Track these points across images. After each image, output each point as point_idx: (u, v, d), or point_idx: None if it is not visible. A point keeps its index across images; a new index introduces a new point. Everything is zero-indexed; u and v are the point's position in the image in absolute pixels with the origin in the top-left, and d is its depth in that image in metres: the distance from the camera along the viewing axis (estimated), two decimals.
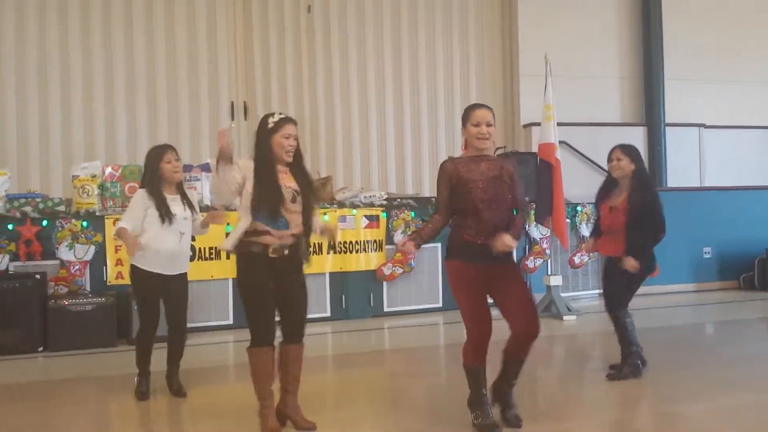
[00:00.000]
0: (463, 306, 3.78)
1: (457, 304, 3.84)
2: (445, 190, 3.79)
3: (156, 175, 4.48)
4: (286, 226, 3.76)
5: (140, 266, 4.46)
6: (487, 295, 3.79)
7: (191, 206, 4.66)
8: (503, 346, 3.85)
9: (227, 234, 6.81)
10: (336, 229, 4.19)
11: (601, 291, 5.07)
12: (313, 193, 3.93)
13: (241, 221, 3.78)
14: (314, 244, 6.87)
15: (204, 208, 7.00)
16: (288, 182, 3.81)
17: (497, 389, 3.93)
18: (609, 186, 4.97)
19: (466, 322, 3.78)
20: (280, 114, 3.87)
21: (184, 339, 4.70)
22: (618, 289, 4.89)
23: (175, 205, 4.51)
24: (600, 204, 4.99)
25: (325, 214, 7.15)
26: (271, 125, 3.79)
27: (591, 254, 4.71)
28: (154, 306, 4.56)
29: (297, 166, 3.89)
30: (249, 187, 3.74)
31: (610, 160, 4.90)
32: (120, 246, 6.59)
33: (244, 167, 3.77)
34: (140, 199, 4.46)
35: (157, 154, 4.53)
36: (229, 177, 3.69)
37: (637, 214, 4.66)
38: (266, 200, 3.70)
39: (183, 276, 4.61)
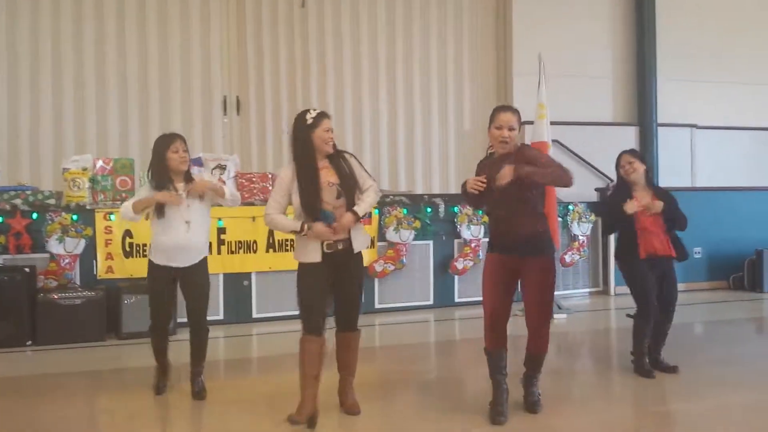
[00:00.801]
0: (483, 292, 4.00)
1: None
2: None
3: (162, 165, 4.35)
4: (335, 219, 3.87)
5: (152, 259, 4.38)
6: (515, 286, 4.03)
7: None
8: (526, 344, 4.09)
9: (219, 229, 6.88)
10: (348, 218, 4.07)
11: (665, 293, 4.99)
12: (356, 182, 4.02)
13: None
14: None
15: None
16: (330, 177, 3.93)
17: (524, 379, 4.16)
18: (625, 191, 5.00)
19: (483, 307, 4.01)
20: (315, 110, 4.01)
21: (202, 337, 4.56)
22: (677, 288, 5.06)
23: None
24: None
25: None
26: (310, 121, 3.93)
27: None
28: (161, 302, 4.42)
29: (338, 157, 4.02)
30: (294, 194, 3.89)
31: (621, 166, 5.01)
32: (110, 240, 6.58)
33: (285, 179, 3.92)
34: (145, 192, 4.39)
35: (164, 143, 4.39)
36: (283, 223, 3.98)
37: (671, 208, 4.89)
38: (309, 196, 3.84)
39: (198, 267, 4.46)
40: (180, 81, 9.15)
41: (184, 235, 4.32)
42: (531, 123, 7.63)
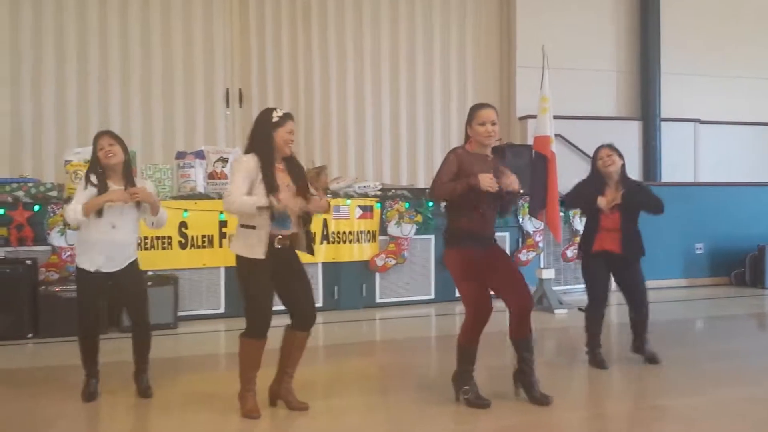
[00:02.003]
0: (465, 290, 4.03)
1: (458, 291, 4.11)
2: (450, 171, 4.05)
3: (94, 163, 4.28)
4: (289, 223, 3.87)
5: (80, 266, 4.24)
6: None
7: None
8: (509, 334, 4.14)
9: (221, 222, 6.89)
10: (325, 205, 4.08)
11: (627, 290, 5.13)
12: (306, 187, 3.94)
13: (254, 218, 3.81)
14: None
15: (198, 195, 7.00)
16: (284, 179, 3.89)
17: (519, 375, 4.18)
18: (597, 183, 5.07)
19: (468, 305, 4.03)
20: (281, 109, 3.97)
21: (144, 335, 4.45)
22: (644, 281, 5.14)
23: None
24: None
25: None
26: (276, 119, 3.89)
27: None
28: (92, 307, 4.30)
29: (293, 161, 4.00)
30: (258, 185, 3.79)
31: (600, 158, 5.07)
32: None
33: (250, 168, 3.81)
34: (84, 192, 4.23)
35: (93, 141, 4.33)
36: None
37: (634, 193, 4.96)
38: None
39: (130, 267, 4.34)
40: (182, 73, 9.13)
41: (109, 237, 4.22)
42: (534, 117, 7.59)
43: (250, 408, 3.92)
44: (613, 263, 5.05)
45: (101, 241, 4.19)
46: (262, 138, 3.88)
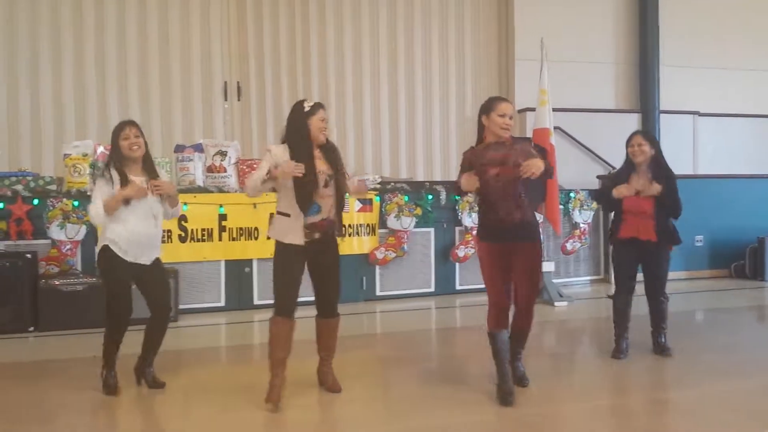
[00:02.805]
0: (485, 279, 4.19)
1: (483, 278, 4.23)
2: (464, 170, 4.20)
3: (116, 154, 4.23)
4: (319, 211, 4.00)
5: (112, 249, 4.16)
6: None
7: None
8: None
9: (221, 215, 6.88)
10: (364, 188, 4.49)
11: (651, 276, 5.11)
12: (344, 175, 4.15)
13: (279, 203, 4.06)
14: None
15: (197, 189, 6.99)
16: (322, 166, 4.02)
17: (510, 354, 4.30)
18: (627, 171, 5.08)
19: (487, 292, 4.17)
20: (312, 100, 4.13)
21: (166, 324, 4.46)
22: (666, 272, 5.14)
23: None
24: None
25: None
26: (307, 108, 4.04)
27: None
28: (127, 292, 4.27)
29: (330, 149, 4.12)
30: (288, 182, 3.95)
31: (630, 145, 5.05)
32: None
33: (276, 155, 3.98)
34: (104, 186, 4.15)
35: (115, 131, 4.27)
36: (267, 188, 4.04)
37: (665, 197, 4.93)
38: (305, 190, 3.93)
39: (157, 261, 4.36)
40: (180, 67, 9.11)
41: (152, 230, 4.25)
42: (533, 110, 7.58)
43: (272, 398, 3.97)
44: (644, 251, 5.00)
45: (141, 233, 4.18)
46: (296, 128, 4.03)
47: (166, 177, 4.47)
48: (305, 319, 4.20)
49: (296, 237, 3.97)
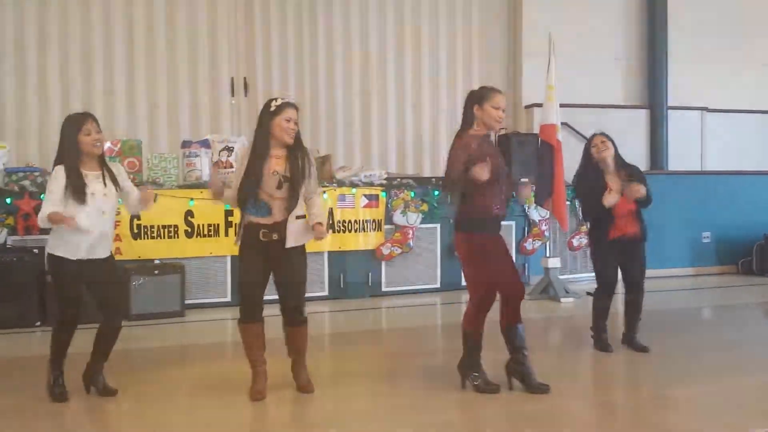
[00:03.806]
0: (484, 273, 4.01)
1: (474, 274, 4.07)
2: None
3: (74, 149, 3.97)
4: (268, 212, 3.92)
5: (56, 254, 3.94)
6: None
7: (115, 182, 4.08)
8: (500, 325, 4.13)
9: (227, 211, 6.90)
10: (322, 230, 4.08)
11: (631, 272, 5.14)
12: (303, 179, 3.98)
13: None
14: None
15: (204, 185, 7.00)
16: (277, 167, 3.93)
17: (513, 366, 4.14)
18: (595, 172, 5.08)
19: (480, 289, 4.02)
20: (283, 98, 4.04)
21: (119, 328, 4.16)
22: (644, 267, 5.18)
23: (96, 182, 3.99)
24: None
25: (324, 192, 7.14)
26: (273, 108, 3.98)
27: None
28: (77, 296, 4.06)
29: (294, 152, 4.00)
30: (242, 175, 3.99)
31: (594, 145, 5.10)
32: (119, 221, 6.57)
33: (241, 157, 4.04)
34: (59, 177, 3.92)
35: (74, 123, 4.02)
36: (230, 197, 4.06)
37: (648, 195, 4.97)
38: (245, 187, 3.93)
39: (110, 258, 4.14)
40: (187, 62, 9.10)
41: (99, 226, 3.98)
42: (540, 105, 7.55)
43: (256, 389, 4.03)
44: (625, 246, 5.04)
45: (88, 231, 3.92)
46: (259, 126, 4.03)
47: (123, 171, 4.27)
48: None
49: (244, 238, 4.01)
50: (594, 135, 5.20)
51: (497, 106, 4.04)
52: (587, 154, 5.16)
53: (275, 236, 3.93)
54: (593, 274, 5.30)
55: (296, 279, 4.06)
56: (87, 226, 3.90)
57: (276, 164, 3.94)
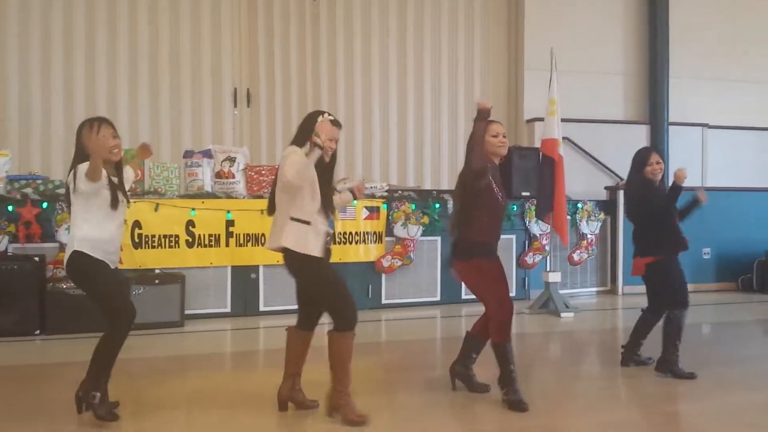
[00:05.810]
0: (495, 292, 4.16)
1: (486, 295, 4.19)
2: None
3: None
4: (332, 222, 4.07)
5: (95, 256, 3.81)
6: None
7: (125, 191, 4.02)
8: (472, 329, 4.43)
9: (228, 221, 6.89)
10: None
11: (677, 288, 4.89)
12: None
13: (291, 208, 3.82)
14: None
15: (205, 195, 7.01)
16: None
17: (457, 368, 4.45)
18: (656, 188, 5.03)
19: (496, 306, 4.14)
20: (330, 115, 3.87)
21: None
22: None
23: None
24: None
25: None
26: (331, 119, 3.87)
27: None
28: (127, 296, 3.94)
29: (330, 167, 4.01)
30: (315, 184, 3.83)
31: (650, 164, 4.98)
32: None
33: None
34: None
35: (90, 126, 3.85)
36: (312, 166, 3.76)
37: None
38: (327, 192, 3.93)
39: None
40: (190, 73, 9.15)
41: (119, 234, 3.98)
42: (541, 120, 7.58)
43: (360, 414, 3.86)
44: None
45: (115, 239, 3.90)
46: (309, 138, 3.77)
47: (131, 174, 4.24)
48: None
49: (319, 248, 3.84)
50: (651, 152, 5.07)
51: (495, 134, 4.20)
52: (640, 171, 4.99)
53: (331, 242, 4.05)
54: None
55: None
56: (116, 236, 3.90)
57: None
